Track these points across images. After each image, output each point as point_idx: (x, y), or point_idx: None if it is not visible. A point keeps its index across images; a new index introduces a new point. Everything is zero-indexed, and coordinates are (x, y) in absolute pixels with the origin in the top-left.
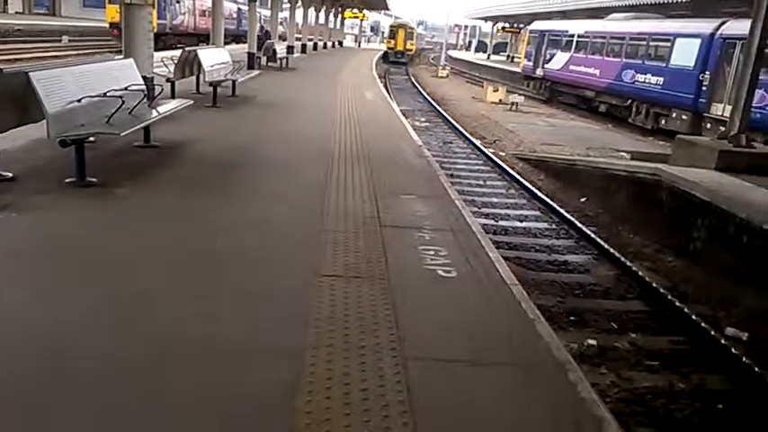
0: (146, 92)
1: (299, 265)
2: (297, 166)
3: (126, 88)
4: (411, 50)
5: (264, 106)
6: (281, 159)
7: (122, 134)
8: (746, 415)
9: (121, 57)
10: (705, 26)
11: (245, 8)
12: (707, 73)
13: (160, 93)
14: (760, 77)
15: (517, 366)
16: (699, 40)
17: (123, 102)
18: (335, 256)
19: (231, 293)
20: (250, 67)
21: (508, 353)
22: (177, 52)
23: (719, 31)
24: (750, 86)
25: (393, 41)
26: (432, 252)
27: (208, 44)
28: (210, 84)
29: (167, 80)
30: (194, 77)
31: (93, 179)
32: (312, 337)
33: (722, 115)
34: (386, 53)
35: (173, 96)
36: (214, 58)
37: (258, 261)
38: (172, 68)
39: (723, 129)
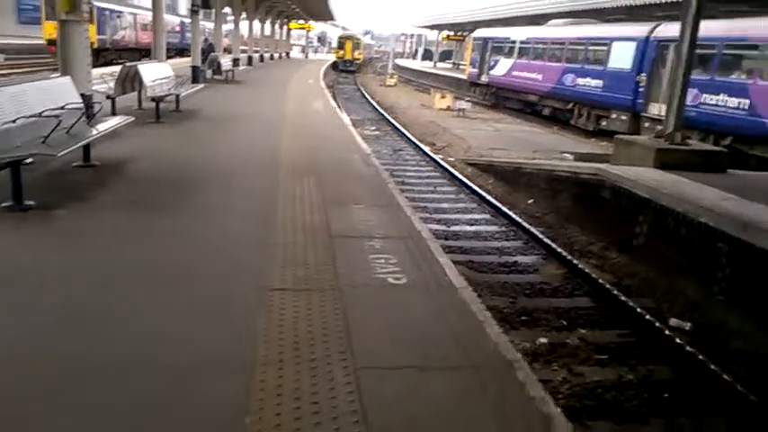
0: (84, 110)
1: (248, 281)
2: (244, 179)
3: (63, 107)
4: (359, 59)
5: (209, 120)
6: (227, 174)
7: (59, 154)
8: (691, 402)
9: (59, 74)
10: (640, 30)
11: (188, 21)
12: (643, 75)
13: (99, 110)
14: (693, 77)
15: (467, 368)
16: (634, 44)
17: (60, 121)
18: (284, 269)
19: (178, 312)
20: (194, 80)
21: (458, 356)
22: (118, 68)
23: (653, 35)
24: (682, 86)
25: (342, 51)
26: (382, 260)
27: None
28: (153, 99)
29: (107, 97)
30: (136, 93)
31: (31, 202)
32: (262, 353)
33: (659, 115)
34: (335, 63)
35: (113, 113)
36: (156, 73)
37: (205, 278)
38: (112, 85)
39: (660, 128)
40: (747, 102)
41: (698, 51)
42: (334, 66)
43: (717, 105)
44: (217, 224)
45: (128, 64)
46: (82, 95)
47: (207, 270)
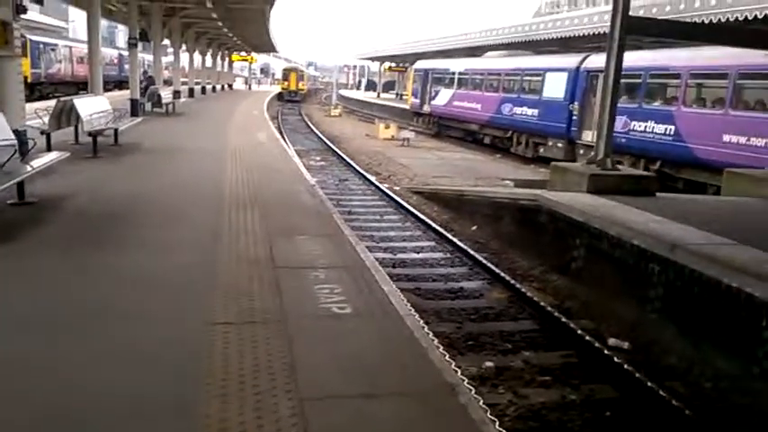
0: (17, 146)
1: (190, 316)
2: (186, 213)
3: None
4: (303, 90)
5: (150, 153)
6: (168, 208)
7: None
8: (632, 419)
9: None
10: (571, 61)
11: (126, 53)
12: (575, 103)
13: (33, 146)
14: (622, 106)
15: (411, 395)
16: (566, 74)
17: None
18: (227, 302)
19: (118, 352)
20: (134, 113)
21: (403, 382)
22: (53, 102)
23: (583, 65)
24: (610, 114)
25: (287, 83)
26: (327, 290)
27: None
28: (90, 134)
29: (42, 132)
30: (73, 128)
31: None
32: (204, 389)
33: (592, 141)
34: (281, 93)
35: (49, 149)
36: (93, 107)
37: (144, 316)
38: (47, 120)
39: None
40: (673, 128)
41: (625, 81)
42: (280, 96)
43: (645, 132)
44: (158, 260)
45: (63, 98)
46: (15, 131)
47: (145, 307)
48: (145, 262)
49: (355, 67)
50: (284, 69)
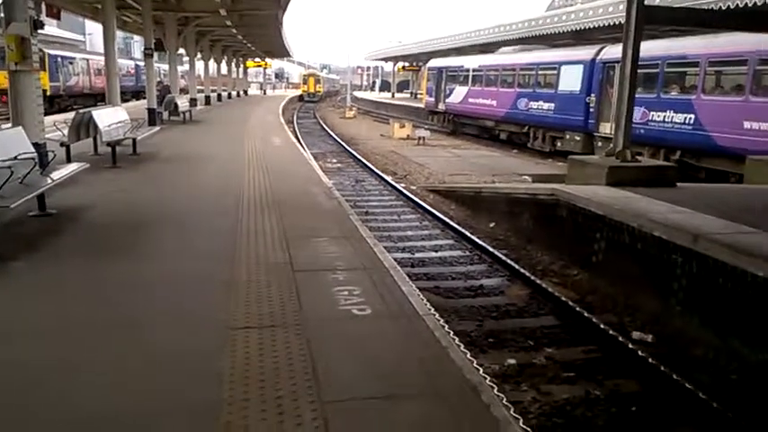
0: (37, 159)
1: (211, 321)
2: (204, 219)
3: (15, 157)
4: (320, 92)
5: (168, 162)
6: (187, 215)
7: (12, 206)
8: (658, 413)
9: (10, 125)
10: (586, 53)
11: (142, 64)
12: (592, 95)
13: (53, 158)
14: (639, 96)
15: (433, 395)
16: (582, 66)
17: (12, 172)
18: (248, 306)
19: (142, 358)
20: (151, 123)
21: (424, 383)
22: (71, 115)
23: (599, 57)
24: (628, 105)
25: (306, 86)
26: (346, 292)
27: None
28: (108, 144)
29: (61, 144)
30: (91, 139)
31: None
32: (227, 394)
33: (610, 133)
34: (301, 96)
35: (68, 161)
36: (110, 118)
37: (168, 322)
38: (66, 132)
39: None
40: (692, 117)
41: (642, 71)
42: (300, 98)
43: (664, 122)
44: (177, 266)
45: (81, 110)
46: (35, 144)
47: (170, 313)
48: (163, 269)
49: (369, 68)
50: (304, 75)
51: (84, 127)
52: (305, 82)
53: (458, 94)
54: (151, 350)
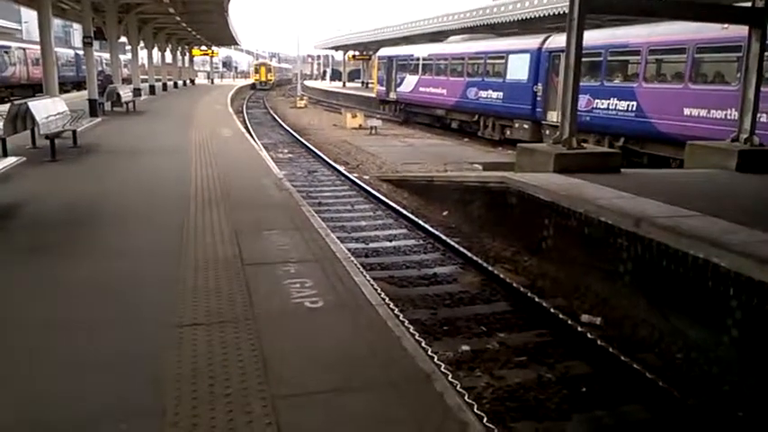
0: None
1: (157, 320)
2: (149, 214)
3: None
4: (271, 80)
5: (110, 154)
6: (130, 210)
7: None
8: (608, 394)
9: None
10: (532, 42)
11: (83, 53)
12: (539, 84)
13: None
14: (584, 84)
15: (386, 385)
16: (528, 55)
17: None
18: (196, 303)
19: (82, 361)
20: (93, 114)
21: (377, 374)
22: (6, 106)
23: (545, 46)
24: (573, 93)
25: (258, 75)
26: (298, 285)
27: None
28: (47, 137)
29: None
30: (29, 131)
31: None
32: (174, 393)
33: (557, 121)
34: (254, 84)
35: (4, 154)
36: (49, 109)
37: (110, 321)
38: (1, 125)
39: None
40: (635, 104)
41: (587, 59)
42: (253, 86)
43: (608, 109)
44: (121, 264)
45: (16, 102)
46: None
47: (109, 315)
48: (105, 268)
49: (319, 57)
50: (255, 64)
51: (21, 119)
52: (257, 71)
53: (408, 83)
54: (91, 352)
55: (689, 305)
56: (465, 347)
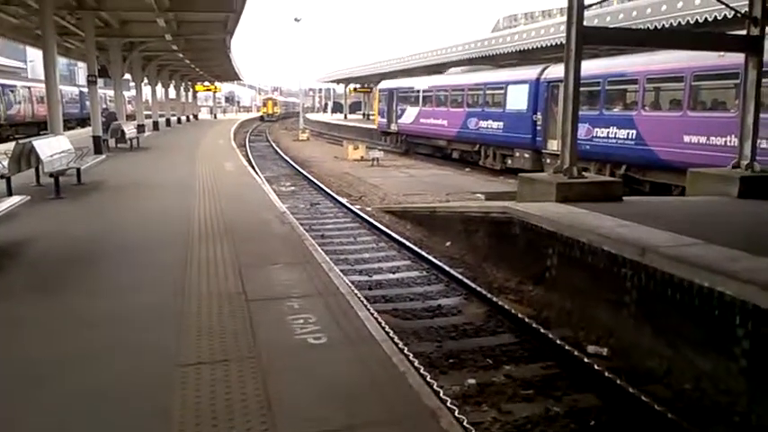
0: None
1: (159, 358)
2: (153, 250)
3: None
4: (277, 113)
5: (114, 191)
6: (136, 246)
7: None
8: (616, 427)
9: None
10: (531, 72)
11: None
12: (539, 114)
13: None
14: (583, 113)
15: (391, 423)
16: (527, 86)
17: None
18: (199, 341)
19: (83, 400)
20: (97, 151)
21: (382, 410)
22: (12, 145)
23: (543, 76)
24: (573, 123)
25: (265, 108)
26: (301, 321)
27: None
28: (51, 175)
29: (1, 176)
30: (33, 169)
31: None
32: None
33: (557, 150)
34: (262, 116)
35: (9, 194)
36: (53, 147)
37: (114, 360)
38: (6, 163)
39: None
40: (634, 132)
41: (585, 89)
42: (261, 118)
43: (608, 137)
44: (124, 301)
45: (21, 141)
46: None
47: (112, 353)
48: (110, 305)
49: (321, 90)
50: (263, 99)
51: (26, 158)
52: (264, 104)
53: (409, 114)
54: (94, 391)
55: (696, 334)
56: (471, 381)
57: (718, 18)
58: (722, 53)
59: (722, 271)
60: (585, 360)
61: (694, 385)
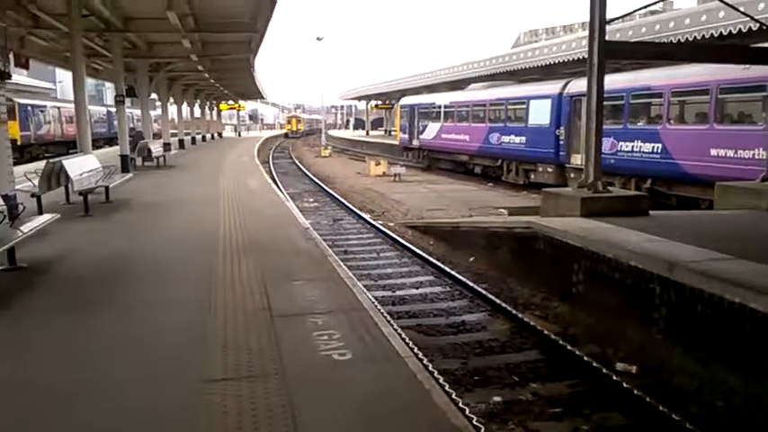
0: (6, 212)
1: (186, 375)
2: (180, 267)
3: None
4: (300, 129)
5: (141, 209)
6: (162, 263)
7: None
8: None
9: None
10: (553, 87)
11: (114, 110)
12: (561, 128)
13: (23, 210)
14: (607, 127)
15: None
16: (549, 100)
17: None
18: (225, 357)
19: (113, 416)
20: (124, 169)
21: (408, 428)
22: (42, 164)
23: (566, 90)
24: (597, 137)
25: (290, 125)
26: (325, 337)
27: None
28: (80, 193)
29: (32, 195)
30: (63, 188)
31: None
32: None
33: (581, 165)
34: (287, 133)
35: (40, 212)
36: (82, 166)
37: (142, 377)
38: (36, 182)
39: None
40: (660, 145)
41: (609, 103)
42: (286, 135)
43: (633, 151)
44: (152, 318)
45: (51, 160)
46: (4, 197)
47: (141, 369)
48: (137, 322)
49: (342, 107)
50: (288, 117)
51: (56, 176)
52: (288, 122)
53: (431, 130)
54: (123, 408)
55: (727, 351)
56: (497, 398)
57: (743, 30)
58: (747, 66)
59: (754, 286)
60: (614, 377)
61: (726, 403)
